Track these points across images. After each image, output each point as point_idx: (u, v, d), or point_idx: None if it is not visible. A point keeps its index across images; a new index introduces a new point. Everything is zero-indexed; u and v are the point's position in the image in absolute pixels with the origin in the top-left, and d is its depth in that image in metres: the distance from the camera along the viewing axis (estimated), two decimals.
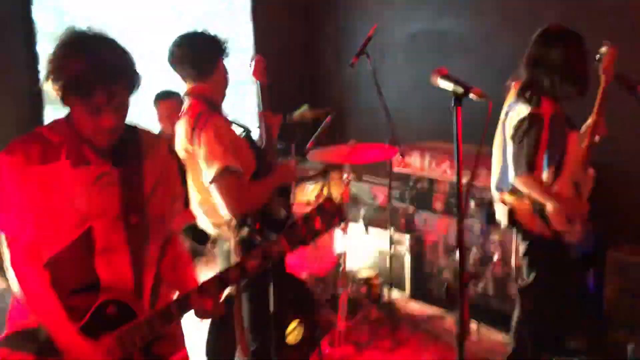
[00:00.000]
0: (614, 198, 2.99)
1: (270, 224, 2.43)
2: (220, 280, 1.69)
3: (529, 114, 2.69)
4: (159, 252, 1.79)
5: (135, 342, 1.61)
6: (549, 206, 2.71)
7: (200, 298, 1.66)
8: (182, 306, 1.67)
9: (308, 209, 1.80)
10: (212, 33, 2.51)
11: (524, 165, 2.68)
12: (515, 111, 2.78)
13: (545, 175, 2.77)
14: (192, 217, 1.95)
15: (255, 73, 2.69)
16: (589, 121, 2.81)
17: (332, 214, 1.77)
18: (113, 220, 1.63)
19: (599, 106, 2.76)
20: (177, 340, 1.86)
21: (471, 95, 1.74)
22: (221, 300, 1.77)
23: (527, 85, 2.78)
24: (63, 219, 1.60)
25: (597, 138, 2.82)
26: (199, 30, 2.51)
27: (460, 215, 1.80)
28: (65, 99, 1.57)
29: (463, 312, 1.63)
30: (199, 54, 2.47)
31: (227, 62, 2.58)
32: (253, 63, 2.71)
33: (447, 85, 1.79)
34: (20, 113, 3.61)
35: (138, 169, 1.68)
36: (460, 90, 1.74)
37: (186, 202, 1.91)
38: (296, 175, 2.68)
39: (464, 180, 3.71)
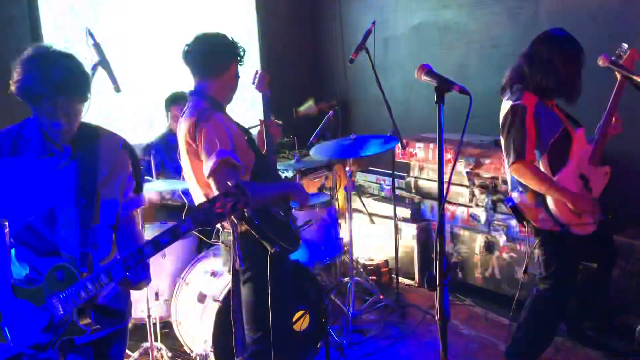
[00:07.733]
0: (618, 182, 3.00)
1: (269, 222, 2.51)
2: (135, 256, 1.85)
3: (511, 106, 2.79)
4: (111, 231, 2.08)
5: (79, 297, 1.87)
6: (549, 197, 2.75)
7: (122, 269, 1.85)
8: (108, 273, 1.86)
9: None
10: (230, 37, 2.59)
11: (513, 154, 2.76)
12: (501, 108, 2.88)
13: (541, 164, 2.81)
14: (144, 202, 2.20)
15: (258, 86, 2.77)
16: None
17: (237, 197, 1.78)
18: (69, 202, 1.96)
19: (612, 103, 2.80)
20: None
21: (453, 91, 1.83)
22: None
23: (515, 79, 2.85)
24: (30, 199, 1.94)
25: (611, 133, 2.85)
26: (219, 32, 2.60)
27: (441, 203, 1.88)
28: (27, 103, 1.89)
29: (443, 300, 1.72)
30: (212, 52, 2.55)
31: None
32: (257, 76, 2.77)
33: (430, 81, 1.88)
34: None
35: (93, 161, 2.00)
36: (442, 86, 1.84)
37: (138, 189, 2.14)
38: (307, 197, 2.73)
39: (469, 169, 3.82)
